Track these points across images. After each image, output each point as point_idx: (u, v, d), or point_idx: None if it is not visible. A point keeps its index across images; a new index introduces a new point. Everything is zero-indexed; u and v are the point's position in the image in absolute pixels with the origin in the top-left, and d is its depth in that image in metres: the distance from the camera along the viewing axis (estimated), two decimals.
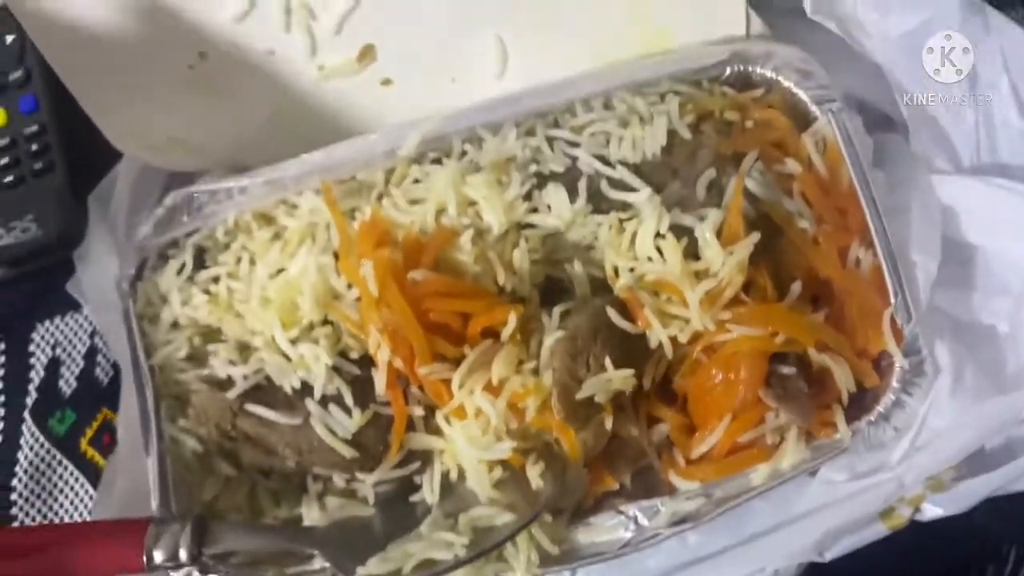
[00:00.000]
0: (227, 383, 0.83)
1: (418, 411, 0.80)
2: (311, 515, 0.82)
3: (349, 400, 0.79)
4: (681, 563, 0.80)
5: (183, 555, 0.73)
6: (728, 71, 0.88)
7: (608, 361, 0.77)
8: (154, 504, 0.82)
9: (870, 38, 0.86)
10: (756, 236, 0.77)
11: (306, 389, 0.81)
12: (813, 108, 0.85)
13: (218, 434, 0.82)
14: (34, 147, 1.02)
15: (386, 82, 0.97)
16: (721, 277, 0.77)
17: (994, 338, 0.83)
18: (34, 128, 1.03)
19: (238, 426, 0.82)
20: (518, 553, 0.78)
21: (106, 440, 1.03)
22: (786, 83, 0.86)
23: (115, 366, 1.02)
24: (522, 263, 0.81)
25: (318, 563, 0.81)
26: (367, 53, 0.96)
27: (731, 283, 0.77)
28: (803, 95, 0.86)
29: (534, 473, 0.78)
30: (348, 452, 0.79)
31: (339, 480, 0.82)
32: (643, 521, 0.80)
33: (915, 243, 0.81)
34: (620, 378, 0.77)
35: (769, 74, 0.87)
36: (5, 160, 1.03)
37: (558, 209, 0.82)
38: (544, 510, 0.77)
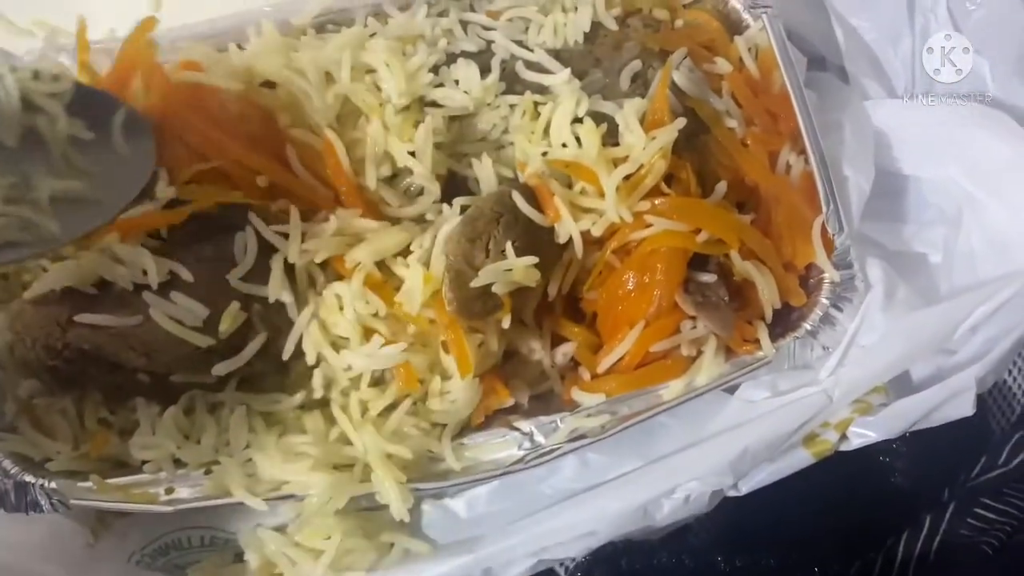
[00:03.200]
0: (52, 295, 0.68)
1: (286, 296, 0.69)
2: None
3: (187, 275, 0.67)
4: (581, 487, 0.69)
5: None
6: None
7: (510, 248, 0.68)
8: None
9: None
10: (682, 121, 0.70)
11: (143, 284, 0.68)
12: (745, 16, 0.80)
13: (48, 356, 0.67)
14: None
15: None
16: (642, 163, 0.69)
17: (927, 266, 0.77)
18: None
19: (71, 343, 0.67)
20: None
21: None
22: None
23: None
24: (425, 142, 0.71)
25: (149, 472, 0.69)
26: None
27: (652, 170, 0.69)
28: (735, 2, 0.81)
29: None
30: (202, 340, 0.67)
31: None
32: (539, 438, 0.70)
33: (847, 159, 0.76)
34: (521, 268, 0.67)
35: None
36: None
37: (467, 84, 0.73)
38: None
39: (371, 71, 0.73)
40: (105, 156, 0.67)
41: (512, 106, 0.74)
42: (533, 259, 0.68)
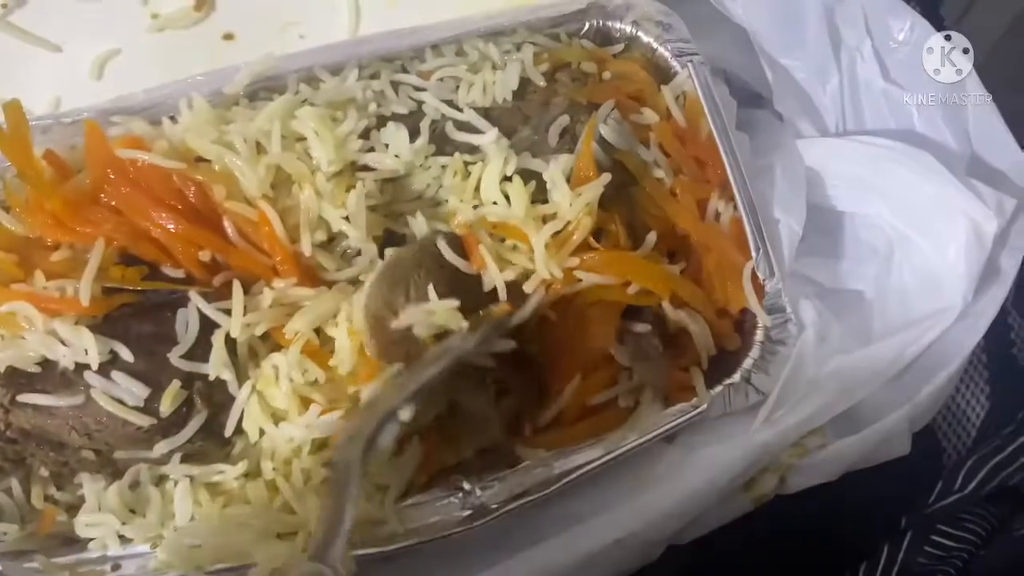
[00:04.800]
0: None
1: (227, 374, 0.69)
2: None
3: (128, 355, 0.68)
4: (525, 543, 0.70)
5: None
6: (587, 25, 0.84)
7: (432, 291, 0.68)
8: None
9: (735, 1, 0.83)
10: (607, 177, 0.71)
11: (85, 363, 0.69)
12: (674, 63, 0.81)
13: None
14: None
15: (228, 36, 0.91)
16: (569, 219, 0.70)
17: (861, 303, 0.78)
18: None
19: (13, 423, 0.69)
20: None
21: None
22: (646, 38, 0.82)
23: None
24: (358, 207, 0.72)
25: (94, 551, 0.69)
26: (205, 1, 0.89)
27: (579, 226, 0.70)
28: (663, 50, 0.81)
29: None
30: (143, 420, 0.68)
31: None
32: (483, 497, 0.70)
33: (778, 202, 0.76)
34: (443, 310, 0.67)
35: (629, 29, 0.83)
36: None
37: (396, 148, 0.74)
38: None
39: (302, 139, 0.74)
40: None
41: (443, 167, 0.75)
42: (455, 302, 0.68)
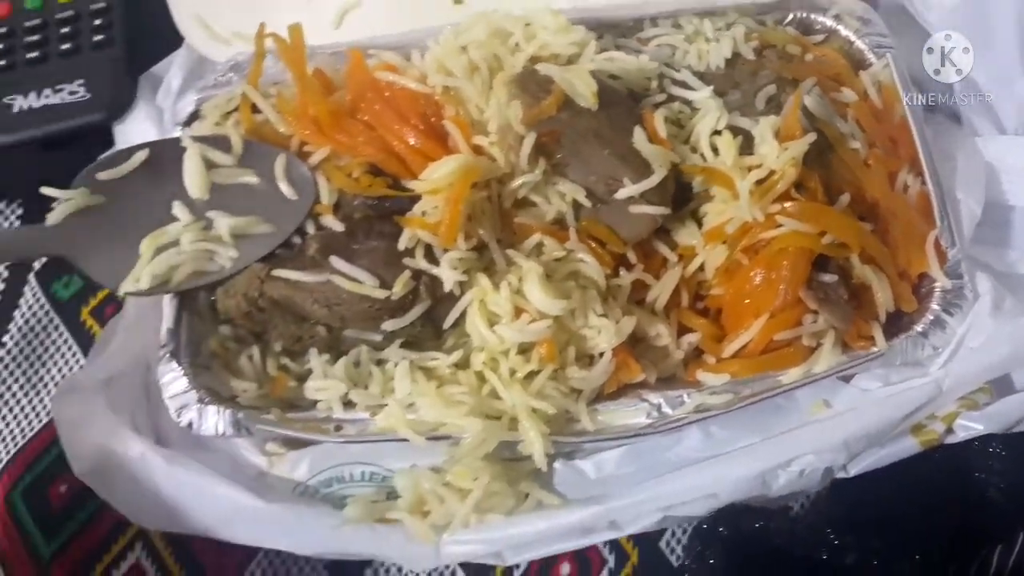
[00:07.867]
0: None
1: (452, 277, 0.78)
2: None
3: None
4: (704, 457, 0.76)
5: None
6: (791, 16, 0.92)
7: None
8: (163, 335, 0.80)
9: (929, 8, 0.90)
10: (813, 135, 0.78)
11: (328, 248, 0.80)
12: (870, 56, 0.89)
13: (247, 304, 0.80)
14: (97, 22, 1.05)
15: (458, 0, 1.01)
16: (773, 169, 0.77)
17: None
18: (101, 5, 1.05)
19: (266, 293, 0.79)
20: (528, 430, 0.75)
21: (108, 311, 1.00)
22: (845, 32, 0.90)
23: None
24: None
25: (321, 411, 0.78)
26: None
27: (784, 176, 0.77)
28: (861, 44, 0.89)
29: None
30: (380, 293, 0.77)
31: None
32: (667, 409, 0.77)
33: (960, 184, 0.83)
34: None
35: (830, 22, 0.91)
36: (66, 29, 1.04)
37: None
38: None
39: None
40: (271, 196, 0.82)
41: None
42: None
